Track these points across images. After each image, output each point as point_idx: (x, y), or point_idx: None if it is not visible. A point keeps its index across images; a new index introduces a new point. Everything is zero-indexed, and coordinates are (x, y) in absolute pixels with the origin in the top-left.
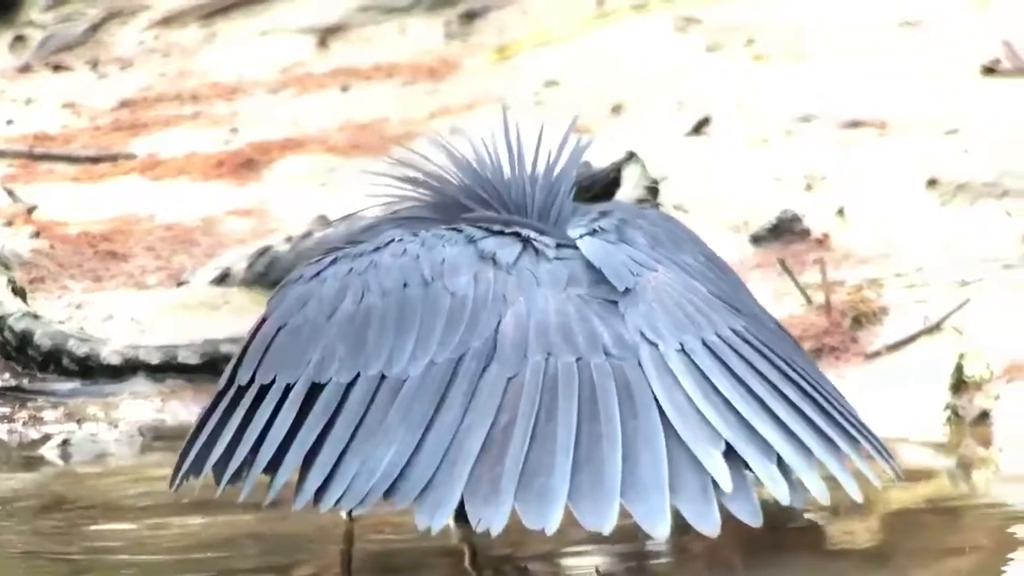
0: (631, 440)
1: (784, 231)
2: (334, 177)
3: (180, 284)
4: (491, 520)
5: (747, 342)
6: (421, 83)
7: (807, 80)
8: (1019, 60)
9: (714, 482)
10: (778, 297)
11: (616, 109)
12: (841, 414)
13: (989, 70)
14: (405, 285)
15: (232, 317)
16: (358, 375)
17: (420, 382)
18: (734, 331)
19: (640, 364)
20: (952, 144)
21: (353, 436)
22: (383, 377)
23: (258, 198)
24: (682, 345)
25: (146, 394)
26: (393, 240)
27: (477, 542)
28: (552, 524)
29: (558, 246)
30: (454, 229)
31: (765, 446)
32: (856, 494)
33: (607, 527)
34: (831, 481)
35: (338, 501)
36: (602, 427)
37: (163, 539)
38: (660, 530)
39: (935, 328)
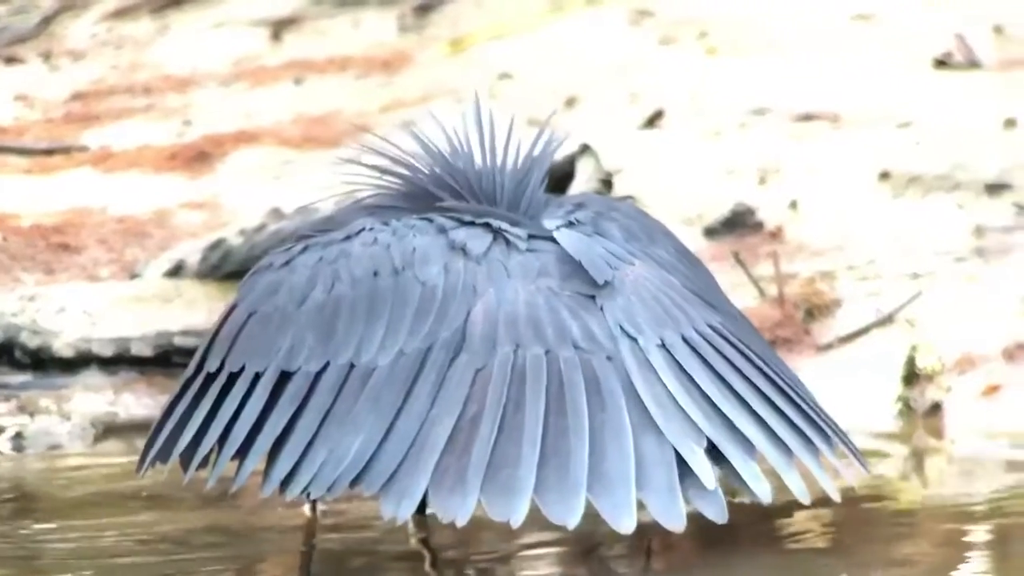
0: (598, 434)
1: (738, 224)
2: (288, 170)
3: (133, 277)
4: (456, 511)
5: (724, 338)
6: (375, 76)
7: (760, 73)
8: (971, 53)
9: (681, 478)
10: (732, 289)
11: (570, 102)
12: (814, 412)
13: (941, 63)
14: (375, 274)
15: (185, 310)
16: (328, 364)
17: (389, 372)
18: (711, 327)
19: (609, 358)
20: (904, 137)
21: (322, 424)
22: (352, 366)
23: (211, 191)
24: (662, 340)
25: (99, 387)
26: (364, 229)
27: (435, 546)
28: (518, 517)
29: (530, 237)
30: (425, 219)
31: (746, 444)
32: (834, 493)
33: (573, 521)
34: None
35: (305, 488)
36: (569, 420)
37: (116, 535)
38: (626, 525)
39: (887, 320)
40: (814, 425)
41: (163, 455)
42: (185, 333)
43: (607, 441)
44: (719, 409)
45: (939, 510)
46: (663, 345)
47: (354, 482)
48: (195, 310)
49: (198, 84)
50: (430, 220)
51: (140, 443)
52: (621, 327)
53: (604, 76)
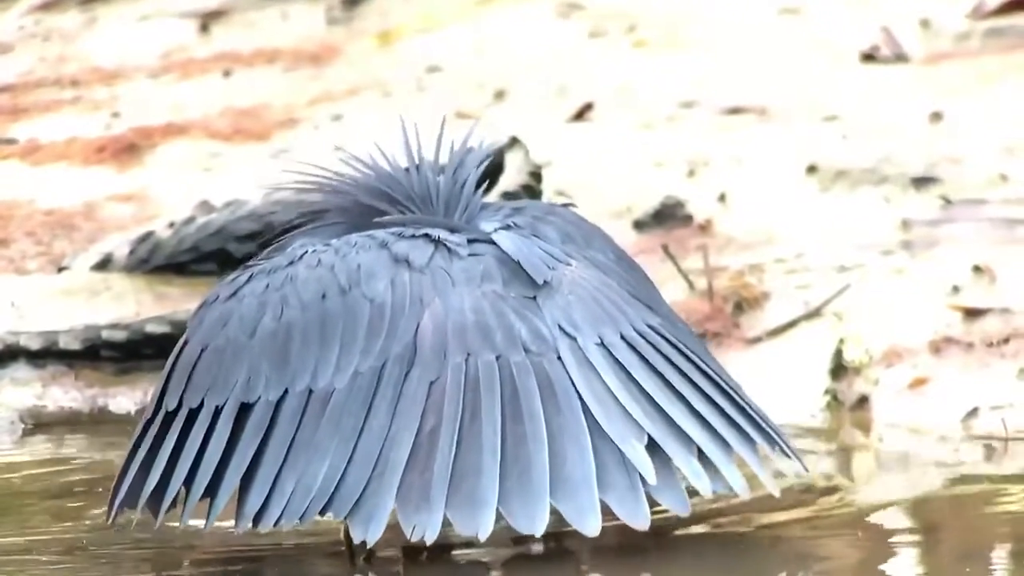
0: (556, 438)
1: (667, 217)
2: (216, 162)
3: (61, 270)
4: (424, 528)
5: (663, 338)
6: (303, 68)
7: (688, 66)
8: (898, 47)
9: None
10: (662, 283)
11: (499, 95)
12: (753, 411)
13: (868, 57)
14: (323, 296)
15: (113, 303)
16: (286, 391)
17: (347, 393)
18: (650, 327)
19: (560, 358)
20: (832, 131)
21: (287, 453)
22: (311, 391)
23: (140, 183)
24: (600, 339)
25: (26, 380)
26: (307, 251)
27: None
28: (485, 530)
29: (469, 242)
30: (366, 235)
31: (686, 440)
32: (775, 489)
33: (539, 528)
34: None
35: (278, 520)
36: (527, 426)
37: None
38: (591, 527)
39: (815, 313)
40: (753, 423)
41: (130, 500)
42: (113, 326)
43: (566, 444)
44: (659, 406)
45: (864, 507)
46: (602, 343)
47: (324, 509)
48: (123, 303)
49: (126, 77)
50: (371, 236)
51: (69, 439)
52: (559, 326)
53: (533, 69)
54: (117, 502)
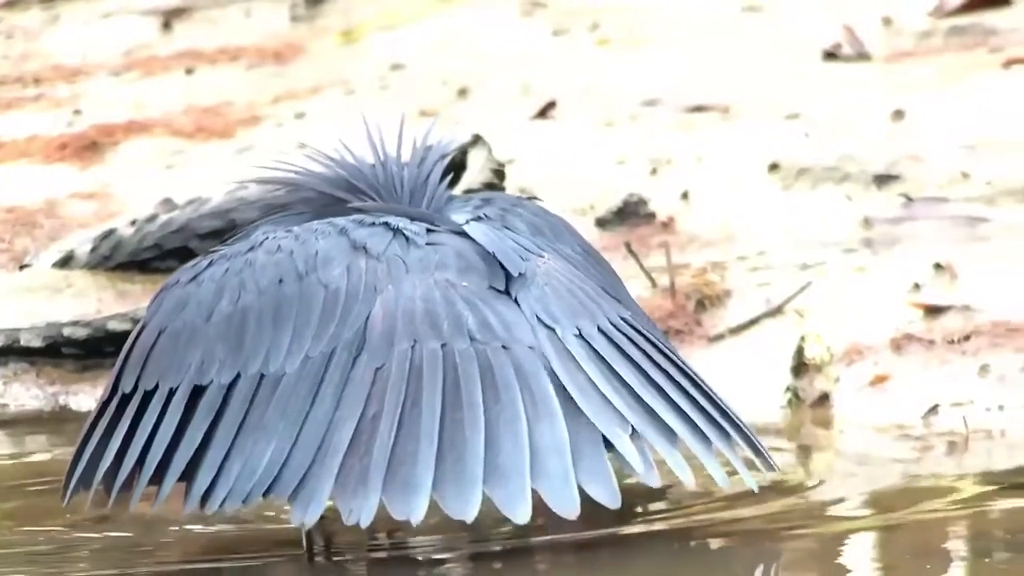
0: (493, 425)
1: (629, 214)
2: (179, 160)
3: (22, 267)
4: (359, 512)
5: (637, 331)
6: (266, 66)
7: (651, 64)
8: (860, 45)
9: (575, 464)
10: (624, 281)
11: (462, 92)
12: (726, 407)
13: (830, 55)
14: (280, 281)
15: (75, 300)
16: (239, 375)
17: (296, 377)
18: (623, 319)
19: (505, 347)
20: (794, 128)
21: (236, 436)
22: (262, 375)
23: (102, 181)
24: (579, 330)
25: None
26: (267, 238)
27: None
28: (417, 515)
29: (429, 231)
30: (327, 222)
31: (668, 431)
32: (753, 483)
33: (471, 514)
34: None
35: (223, 502)
36: (465, 413)
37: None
38: (521, 514)
39: (777, 311)
40: (728, 419)
41: (85, 481)
42: (75, 324)
43: (502, 432)
44: (639, 397)
45: (823, 503)
46: (580, 335)
47: (267, 491)
48: (85, 301)
49: (88, 74)
50: (331, 222)
51: (31, 438)
52: (538, 317)
53: (496, 67)
54: (72, 484)
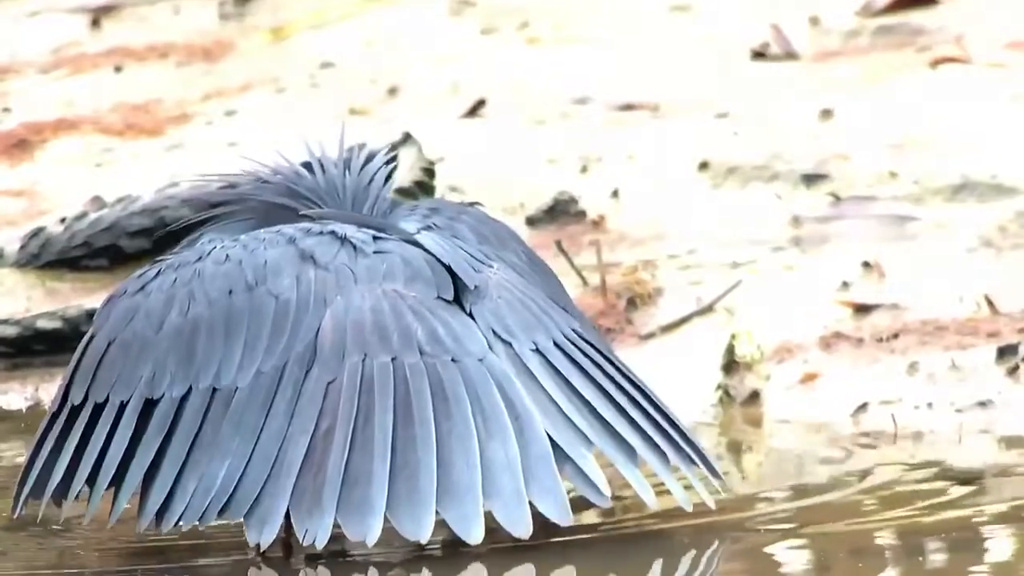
0: (445, 443)
1: (560, 213)
2: (109, 157)
3: None
4: (315, 533)
5: (589, 344)
6: (196, 64)
7: (581, 63)
8: (788, 44)
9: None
10: None
11: (392, 91)
12: (678, 423)
13: (759, 54)
14: (230, 292)
15: (4, 298)
16: (190, 389)
17: (249, 392)
18: (575, 332)
19: (455, 360)
20: (723, 127)
21: (190, 452)
22: (215, 390)
23: (31, 179)
24: (535, 344)
25: None
26: (215, 247)
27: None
28: (372, 536)
29: (375, 239)
30: (274, 231)
31: (629, 450)
32: (711, 501)
33: (424, 536)
34: None
35: (178, 520)
36: (416, 430)
37: None
38: (474, 536)
39: (707, 309)
40: (682, 435)
41: (36, 492)
42: (3, 322)
43: (454, 450)
44: (599, 415)
45: (754, 503)
46: (537, 349)
47: (223, 509)
48: (14, 299)
49: (16, 72)
50: (279, 231)
51: None
52: (493, 331)
53: (426, 65)
54: (23, 496)
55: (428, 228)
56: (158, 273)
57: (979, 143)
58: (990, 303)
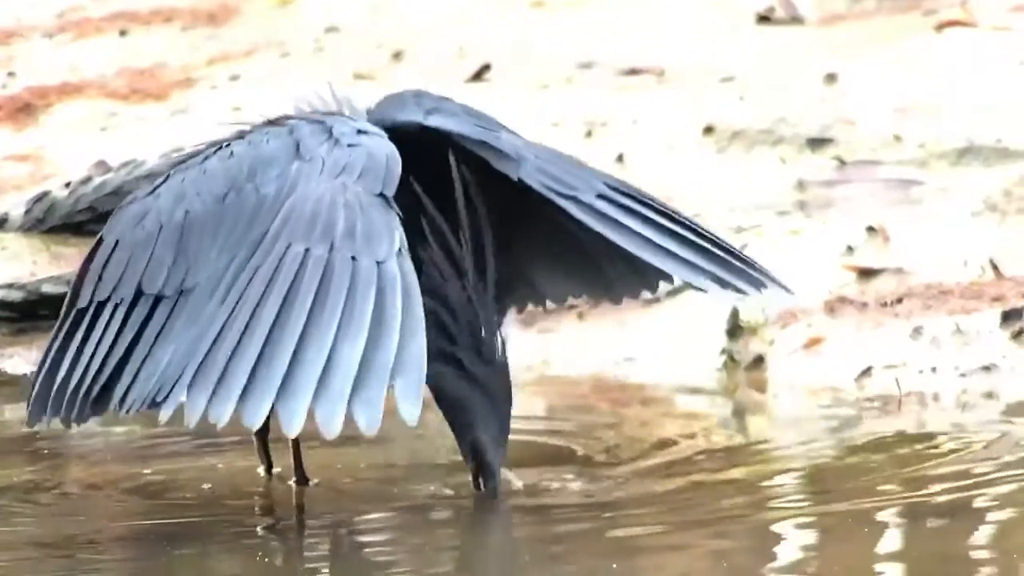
0: (304, 337)
1: None
2: (113, 122)
3: None
4: (188, 413)
5: (630, 190)
6: (200, 28)
7: (586, 27)
8: (793, 8)
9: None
10: None
11: (397, 56)
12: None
13: (764, 18)
14: (226, 191)
15: (9, 263)
16: (181, 283)
17: (205, 283)
18: (613, 183)
19: (354, 258)
20: (728, 92)
21: (153, 345)
22: (197, 284)
23: (36, 143)
24: (597, 192)
25: None
26: (223, 145)
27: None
28: (222, 420)
29: (358, 132)
30: (279, 124)
31: (700, 270)
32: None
33: (256, 424)
34: None
35: (132, 405)
36: (290, 321)
37: None
38: (294, 430)
39: None
40: (742, 260)
41: (43, 395)
42: (9, 287)
43: (308, 347)
44: (685, 240)
45: (757, 465)
46: (602, 196)
47: (158, 393)
48: (19, 263)
49: (22, 36)
50: (285, 123)
51: None
52: (555, 190)
53: (431, 30)
54: (33, 396)
55: (431, 112)
56: (167, 178)
57: (984, 107)
58: (995, 267)
